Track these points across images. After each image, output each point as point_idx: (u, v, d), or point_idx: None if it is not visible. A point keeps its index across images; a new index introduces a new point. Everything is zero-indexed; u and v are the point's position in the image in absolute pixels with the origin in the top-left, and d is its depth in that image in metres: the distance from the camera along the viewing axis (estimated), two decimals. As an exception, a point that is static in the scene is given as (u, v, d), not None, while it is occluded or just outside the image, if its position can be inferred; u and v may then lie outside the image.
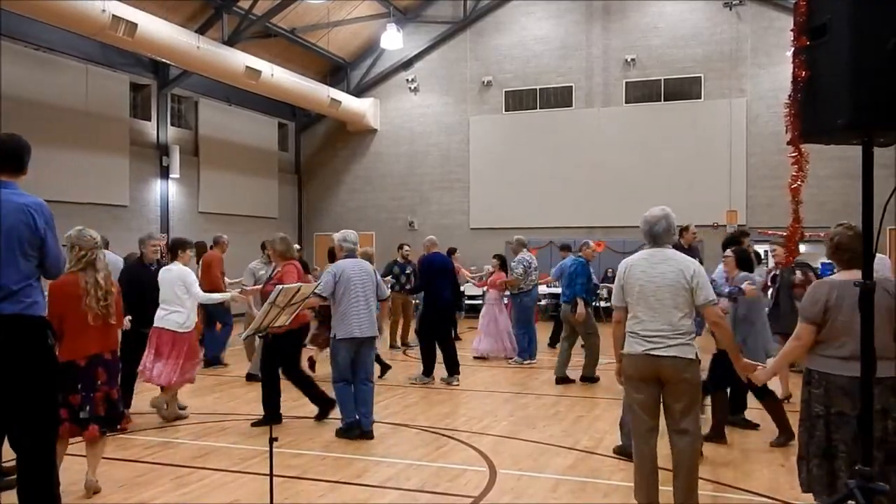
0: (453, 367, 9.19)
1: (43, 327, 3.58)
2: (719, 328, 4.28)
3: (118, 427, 4.98)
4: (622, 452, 5.66)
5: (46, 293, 4.25)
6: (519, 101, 19.44)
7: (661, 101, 18.20)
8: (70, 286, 4.61)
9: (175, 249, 7.15)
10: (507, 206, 18.87)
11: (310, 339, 9.05)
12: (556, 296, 13.39)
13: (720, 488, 4.99)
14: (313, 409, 7.11)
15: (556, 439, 6.32)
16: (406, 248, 12.40)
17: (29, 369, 3.48)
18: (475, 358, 11.01)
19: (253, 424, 6.83)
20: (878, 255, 3.72)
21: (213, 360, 10.48)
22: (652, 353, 4.09)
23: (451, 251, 12.32)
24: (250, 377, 9.17)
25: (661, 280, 4.12)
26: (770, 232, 13.52)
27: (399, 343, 12.41)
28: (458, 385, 9.02)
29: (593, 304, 10.93)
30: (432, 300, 9.22)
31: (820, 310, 3.66)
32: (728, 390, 6.30)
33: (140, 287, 6.88)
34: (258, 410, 7.28)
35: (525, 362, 10.55)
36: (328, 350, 6.90)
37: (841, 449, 3.60)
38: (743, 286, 5.95)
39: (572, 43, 18.87)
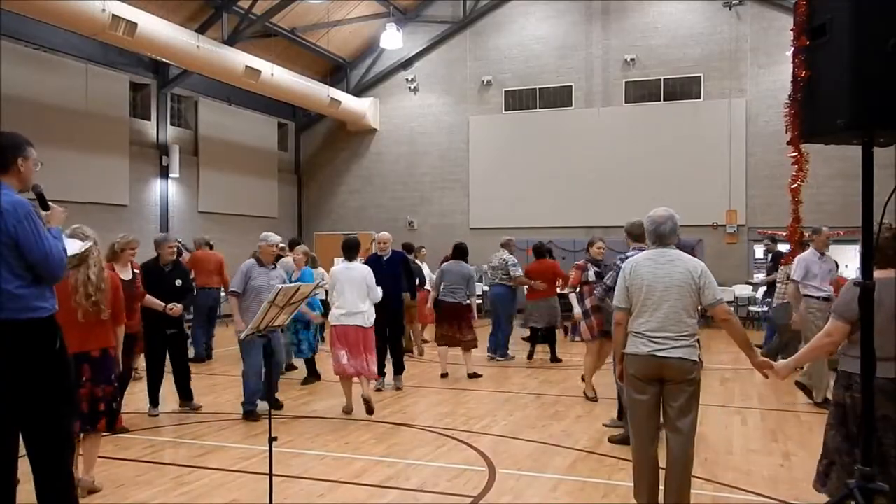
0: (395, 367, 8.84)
1: (38, 330, 3.31)
2: (730, 325, 4.17)
3: (96, 427, 4.79)
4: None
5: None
6: (518, 100, 19.43)
7: (660, 100, 18.19)
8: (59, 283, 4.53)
9: (356, 248, 7.51)
10: (507, 206, 18.85)
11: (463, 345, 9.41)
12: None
13: (720, 488, 4.99)
14: (314, 409, 7.10)
15: (555, 439, 6.32)
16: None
17: (24, 375, 3.24)
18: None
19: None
20: None
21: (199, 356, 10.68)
22: (657, 353, 4.06)
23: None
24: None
25: (668, 280, 4.10)
26: (770, 232, 13.51)
27: None
28: (400, 388, 8.66)
29: None
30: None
31: (856, 309, 3.40)
32: None
33: (159, 288, 6.94)
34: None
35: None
36: None
37: (893, 454, 3.49)
38: None
39: (572, 43, 18.86)
